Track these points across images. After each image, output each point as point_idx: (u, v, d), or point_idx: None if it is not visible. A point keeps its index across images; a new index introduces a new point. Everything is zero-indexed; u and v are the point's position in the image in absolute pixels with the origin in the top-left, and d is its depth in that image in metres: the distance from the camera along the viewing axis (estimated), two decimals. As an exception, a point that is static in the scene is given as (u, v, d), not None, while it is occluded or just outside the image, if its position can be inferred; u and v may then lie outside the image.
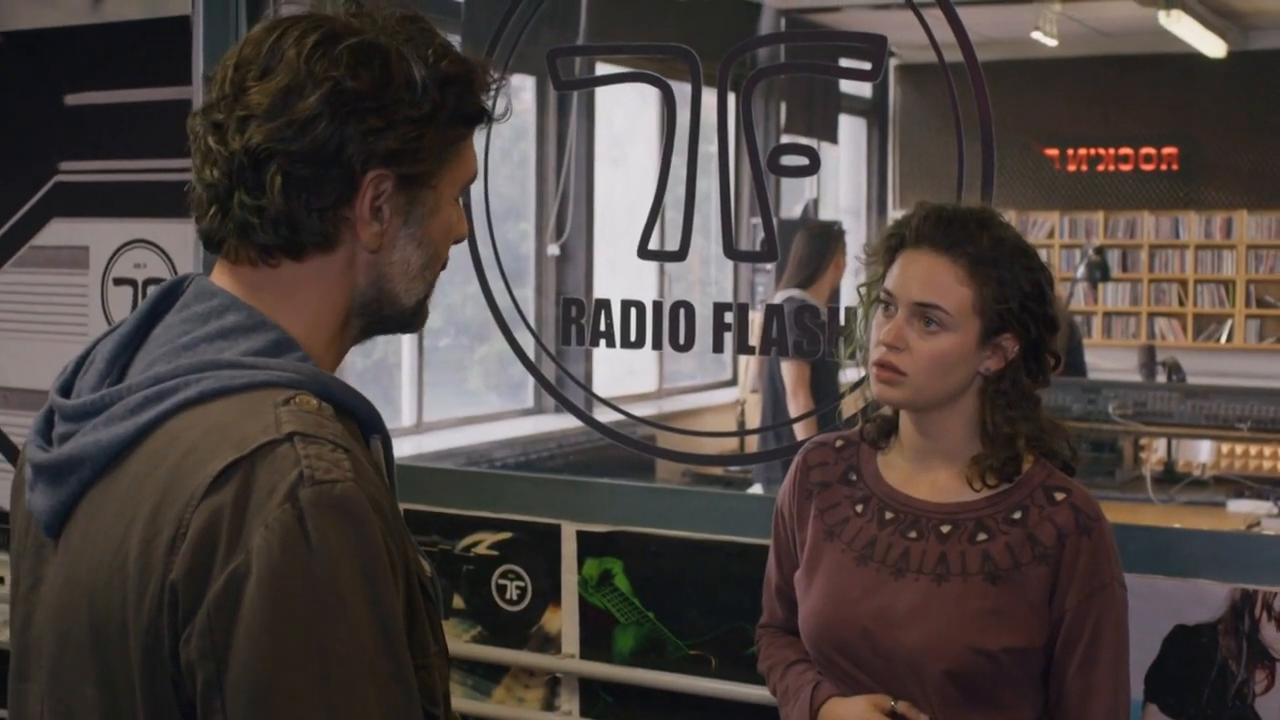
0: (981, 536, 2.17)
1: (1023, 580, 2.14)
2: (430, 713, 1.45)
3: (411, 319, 1.60)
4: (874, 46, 2.71)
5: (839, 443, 2.35)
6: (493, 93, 1.57)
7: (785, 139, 9.07)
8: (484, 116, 1.57)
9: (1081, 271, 8.84)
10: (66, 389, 1.53)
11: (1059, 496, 2.17)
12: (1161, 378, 7.42)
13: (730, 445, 7.07)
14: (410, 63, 1.48)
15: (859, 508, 2.26)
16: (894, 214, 10.89)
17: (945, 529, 2.19)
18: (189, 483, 1.35)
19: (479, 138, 1.62)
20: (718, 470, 6.06)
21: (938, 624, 2.14)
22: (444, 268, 1.61)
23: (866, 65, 2.79)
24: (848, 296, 6.45)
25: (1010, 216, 10.61)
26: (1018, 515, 2.17)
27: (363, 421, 1.51)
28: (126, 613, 1.37)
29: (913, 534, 2.21)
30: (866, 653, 2.19)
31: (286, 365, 1.45)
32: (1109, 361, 7.89)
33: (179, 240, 3.46)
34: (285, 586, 1.31)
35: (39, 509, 1.49)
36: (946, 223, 2.19)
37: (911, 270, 2.19)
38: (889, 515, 2.23)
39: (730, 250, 2.88)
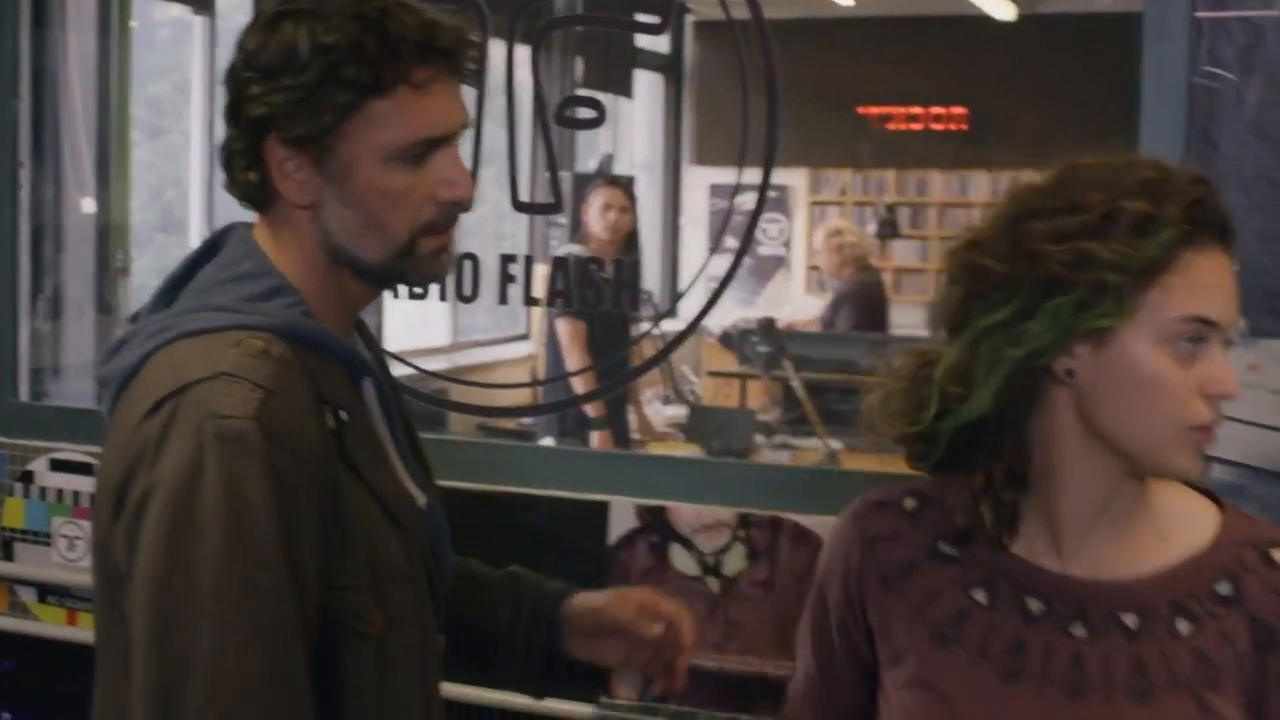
0: (1183, 625, 1.53)
1: (1240, 676, 1.51)
2: (357, 629, 1.60)
3: (389, 274, 1.69)
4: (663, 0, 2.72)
5: (909, 502, 1.68)
6: (390, 59, 1.59)
7: (580, 93, 9.06)
8: (375, 85, 1.59)
9: (872, 229, 9.01)
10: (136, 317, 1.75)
11: (1278, 556, 1.54)
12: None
13: (524, 397, 7.06)
14: (300, 32, 1.59)
15: (979, 594, 1.60)
16: (689, 169, 10.95)
17: (1129, 619, 1.54)
18: (139, 408, 1.57)
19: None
20: (510, 423, 6.05)
21: None
22: (423, 228, 1.65)
23: (656, 19, 2.79)
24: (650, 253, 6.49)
25: (803, 174, 10.85)
26: (1226, 589, 1.53)
27: (349, 366, 1.68)
28: (98, 514, 1.64)
29: (1080, 630, 1.55)
30: None
31: (271, 310, 1.62)
32: (894, 317, 8.06)
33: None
34: (180, 503, 1.51)
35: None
36: (1207, 200, 1.49)
37: (1216, 280, 1.49)
38: (1034, 604, 1.57)
39: (517, 202, 2.87)
